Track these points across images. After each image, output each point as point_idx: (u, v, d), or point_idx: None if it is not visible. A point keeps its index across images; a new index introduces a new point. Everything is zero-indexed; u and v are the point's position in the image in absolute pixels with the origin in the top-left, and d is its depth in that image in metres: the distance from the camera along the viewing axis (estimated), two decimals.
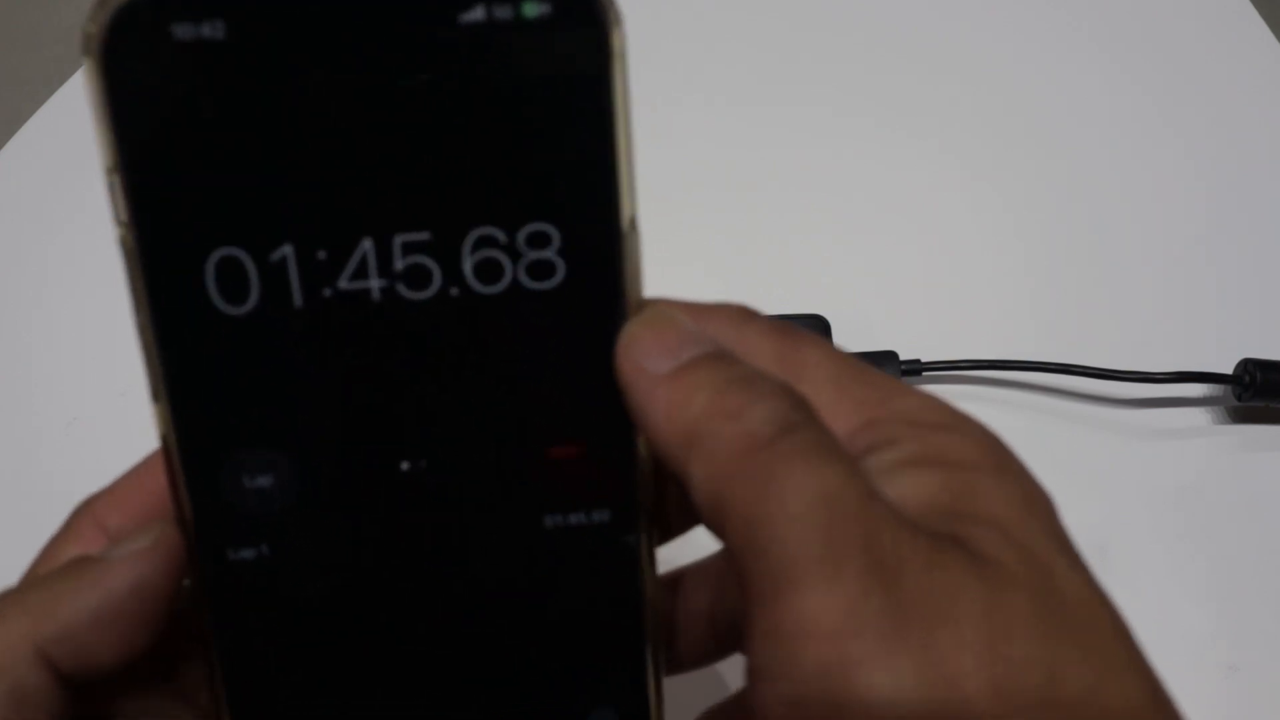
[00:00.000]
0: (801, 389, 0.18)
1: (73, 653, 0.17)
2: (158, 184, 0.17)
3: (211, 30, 0.17)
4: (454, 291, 0.18)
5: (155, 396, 0.18)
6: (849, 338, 0.41)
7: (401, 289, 0.18)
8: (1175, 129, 0.48)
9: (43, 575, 0.18)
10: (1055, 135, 0.48)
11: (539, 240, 0.18)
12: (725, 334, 0.19)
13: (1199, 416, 0.41)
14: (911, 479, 0.17)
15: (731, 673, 0.28)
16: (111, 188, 0.18)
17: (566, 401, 0.19)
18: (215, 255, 0.18)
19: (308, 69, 0.17)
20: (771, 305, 0.42)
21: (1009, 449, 0.18)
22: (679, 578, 0.24)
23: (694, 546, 0.23)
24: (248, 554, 0.19)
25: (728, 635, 0.23)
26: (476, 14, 0.17)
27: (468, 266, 0.18)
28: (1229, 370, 0.40)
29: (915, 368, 0.40)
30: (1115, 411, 0.41)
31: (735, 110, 0.50)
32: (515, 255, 0.18)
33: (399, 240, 0.18)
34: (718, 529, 0.17)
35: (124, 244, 0.18)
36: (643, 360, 0.18)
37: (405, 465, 0.19)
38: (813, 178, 0.48)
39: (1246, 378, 0.39)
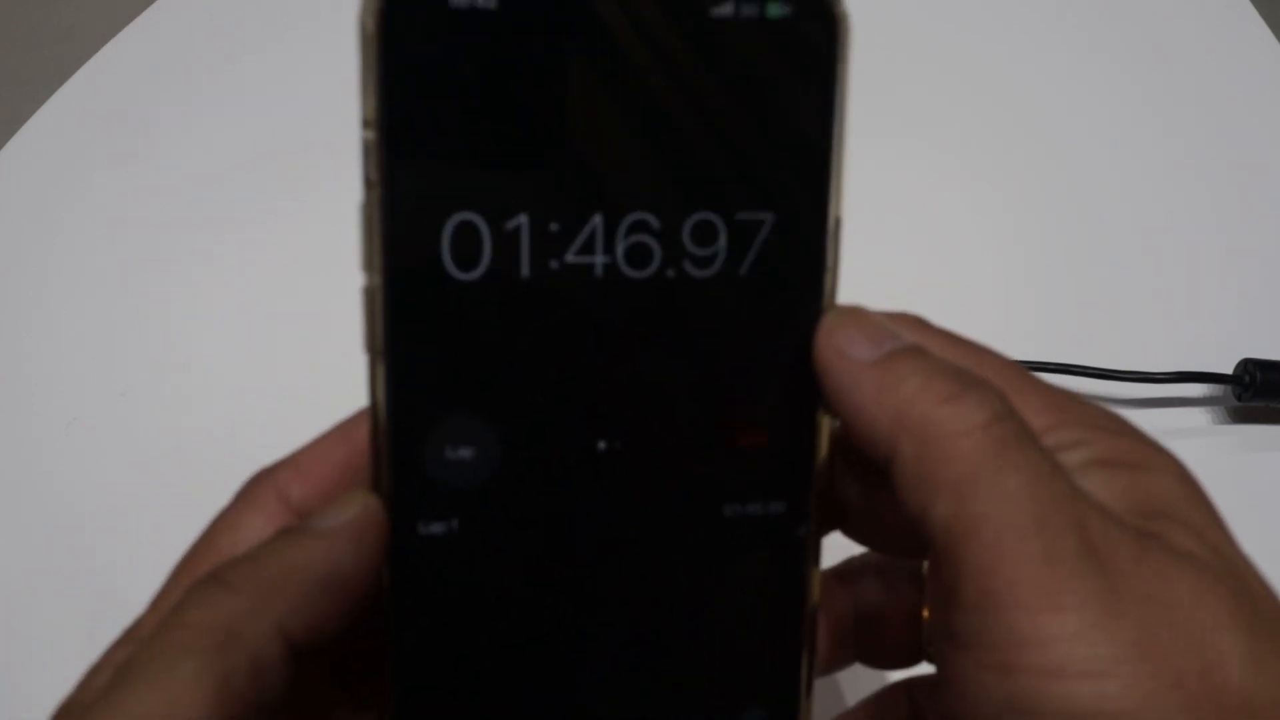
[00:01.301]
0: None
1: (305, 625, 0.18)
2: (412, 144, 0.18)
3: (485, 0, 0.18)
4: (670, 273, 0.19)
5: (373, 360, 0.19)
6: None
7: (623, 266, 0.19)
8: (1175, 129, 0.48)
9: (262, 548, 0.18)
10: (1055, 135, 0.48)
11: (754, 229, 0.19)
12: (909, 335, 0.20)
13: (1199, 417, 0.41)
14: (1103, 477, 0.18)
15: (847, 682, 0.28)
16: (366, 144, 0.18)
17: (758, 390, 0.20)
18: (454, 219, 0.18)
19: (567, 46, 0.18)
20: None
21: (1182, 462, 0.19)
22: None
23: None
24: (438, 528, 0.19)
25: (864, 640, 0.24)
26: (726, 9, 0.18)
27: (686, 249, 0.19)
28: (1229, 370, 0.40)
29: None
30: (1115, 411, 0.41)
31: None
32: (731, 241, 0.19)
33: (627, 219, 0.19)
34: (922, 505, 0.18)
35: (368, 201, 0.18)
36: (846, 347, 0.19)
37: (602, 445, 0.19)
38: None
39: (1246, 378, 0.39)
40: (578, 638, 0.20)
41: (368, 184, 0.18)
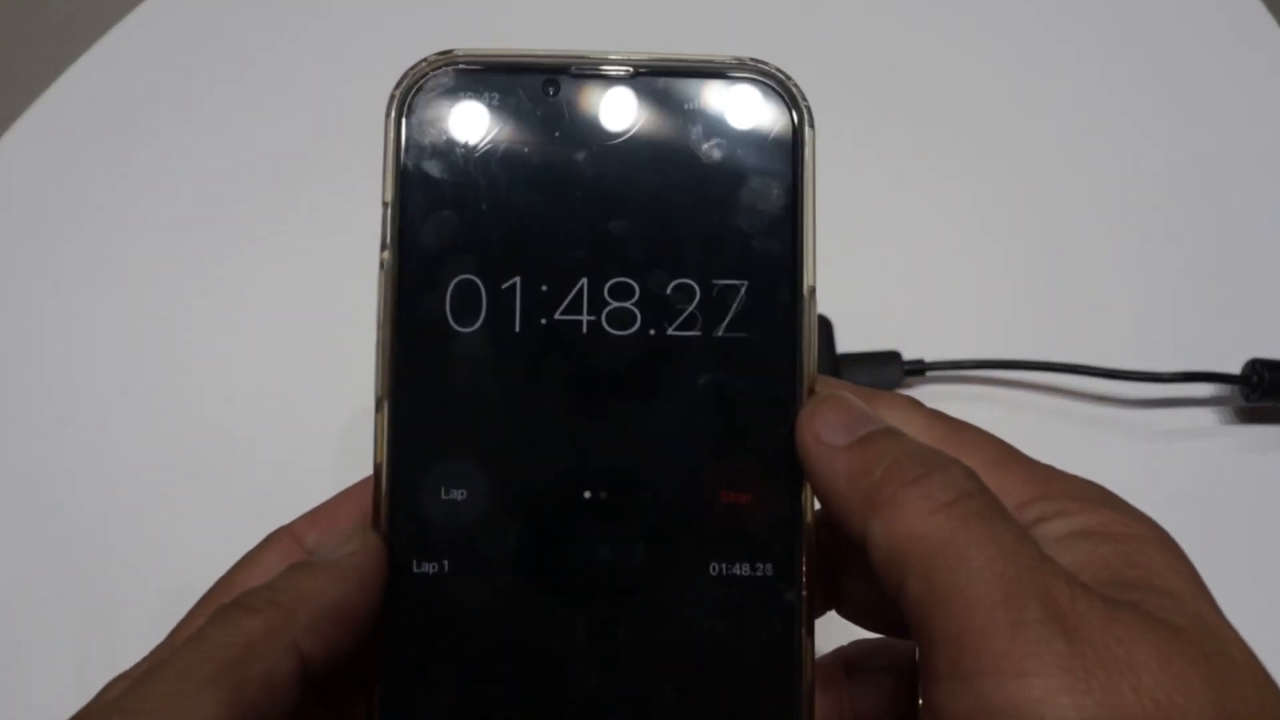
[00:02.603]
0: (969, 465, 0.19)
1: (317, 647, 0.19)
2: (422, 217, 0.21)
3: (489, 100, 0.21)
4: (651, 332, 0.21)
5: (379, 404, 0.21)
6: (851, 338, 0.40)
7: (607, 325, 0.21)
8: (1182, 128, 0.48)
9: (278, 577, 0.20)
10: (1060, 134, 0.48)
11: (730, 295, 0.21)
12: (892, 417, 0.21)
13: (1206, 417, 0.41)
14: (1083, 547, 0.19)
15: None
16: (385, 218, 0.21)
17: (740, 449, 0.21)
18: (457, 279, 0.21)
19: (560, 136, 0.21)
20: None
21: (1166, 530, 0.19)
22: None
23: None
24: (430, 567, 0.21)
25: None
26: (695, 104, 0.21)
27: (666, 311, 0.21)
28: (1236, 370, 0.40)
29: (918, 368, 0.40)
30: (1122, 412, 0.41)
31: None
32: (707, 305, 0.21)
33: (610, 283, 0.21)
34: (895, 583, 0.18)
35: (384, 265, 0.21)
36: (822, 433, 0.20)
37: (587, 494, 0.21)
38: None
39: (1254, 378, 0.39)
40: (564, 687, 0.20)
41: (383, 248, 0.21)
